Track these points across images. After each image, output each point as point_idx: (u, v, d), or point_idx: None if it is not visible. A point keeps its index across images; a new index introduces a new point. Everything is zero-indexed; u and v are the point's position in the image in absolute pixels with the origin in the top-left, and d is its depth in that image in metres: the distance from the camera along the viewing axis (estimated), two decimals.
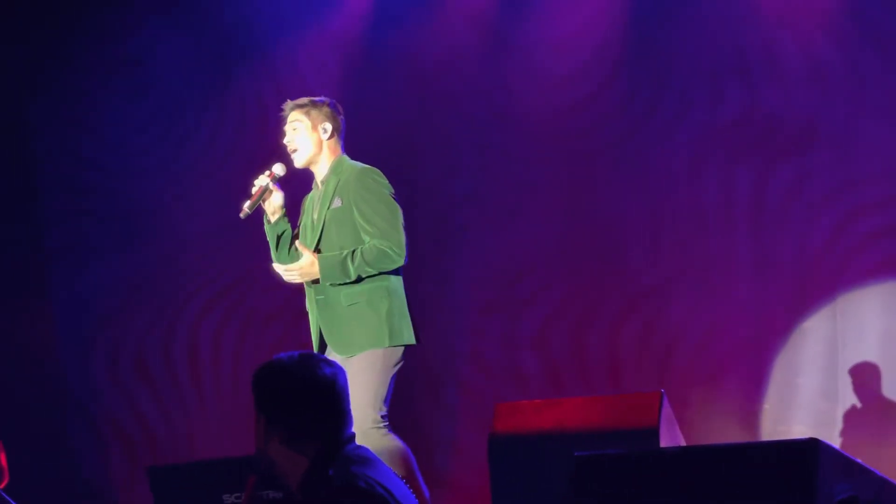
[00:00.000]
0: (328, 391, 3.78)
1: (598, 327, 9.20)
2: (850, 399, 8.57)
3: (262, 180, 5.92)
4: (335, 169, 5.93)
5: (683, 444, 5.81)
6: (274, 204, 5.95)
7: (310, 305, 5.92)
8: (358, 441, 5.48)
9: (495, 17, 9.76)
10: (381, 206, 5.80)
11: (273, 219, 5.97)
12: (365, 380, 5.59)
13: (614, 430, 5.54)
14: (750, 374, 8.80)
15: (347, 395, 3.85)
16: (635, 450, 4.85)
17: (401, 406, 5.98)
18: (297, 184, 6.18)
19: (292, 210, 6.18)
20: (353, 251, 5.72)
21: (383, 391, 5.65)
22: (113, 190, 10.93)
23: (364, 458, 3.80)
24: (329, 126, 5.95)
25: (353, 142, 6.19)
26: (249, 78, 10.45)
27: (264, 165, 6.06)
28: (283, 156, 6.08)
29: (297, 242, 5.92)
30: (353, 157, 6.07)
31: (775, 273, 8.81)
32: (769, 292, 8.80)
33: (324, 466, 3.70)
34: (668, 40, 9.20)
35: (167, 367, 10.86)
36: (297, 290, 6.24)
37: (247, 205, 5.85)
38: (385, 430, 5.61)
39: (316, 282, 5.80)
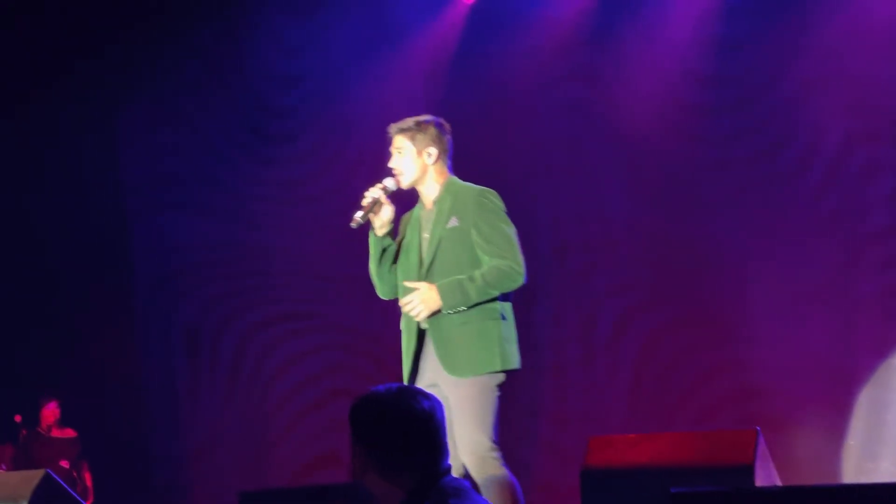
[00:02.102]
0: (425, 424, 3.77)
1: (684, 360, 9.16)
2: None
3: (374, 192, 5.81)
4: (448, 189, 5.83)
5: (778, 482, 5.75)
6: (383, 217, 5.82)
7: (407, 325, 5.80)
8: (474, 467, 5.48)
9: (585, 36, 9.79)
10: (502, 226, 5.70)
11: (380, 232, 5.85)
12: (478, 406, 5.51)
13: (709, 466, 5.49)
14: (836, 409, 8.71)
15: (444, 427, 3.83)
16: (732, 487, 4.80)
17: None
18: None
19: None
20: (471, 275, 5.64)
21: (493, 417, 5.58)
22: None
23: (460, 489, 3.78)
24: (434, 150, 5.84)
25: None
26: (351, 92, 10.56)
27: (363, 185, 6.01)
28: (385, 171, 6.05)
29: (406, 283, 5.79)
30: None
31: (864, 307, 8.72)
32: (857, 326, 8.70)
33: (420, 499, 3.69)
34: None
35: (244, 380, 10.98)
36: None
37: (358, 215, 5.76)
38: (501, 461, 5.52)
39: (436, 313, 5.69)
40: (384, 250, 5.90)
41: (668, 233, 9.32)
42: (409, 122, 5.90)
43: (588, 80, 9.74)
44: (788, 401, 8.75)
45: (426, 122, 5.89)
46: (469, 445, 5.50)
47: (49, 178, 11.37)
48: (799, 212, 8.98)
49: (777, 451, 8.18)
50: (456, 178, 5.90)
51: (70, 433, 11.07)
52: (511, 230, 5.72)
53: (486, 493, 5.45)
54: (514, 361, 5.66)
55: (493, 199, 5.78)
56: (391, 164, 5.88)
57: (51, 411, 11.03)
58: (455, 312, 5.64)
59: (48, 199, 11.36)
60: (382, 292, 6.00)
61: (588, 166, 9.63)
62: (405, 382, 5.74)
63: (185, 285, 11.35)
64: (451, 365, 5.62)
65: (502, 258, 5.64)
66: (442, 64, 10.30)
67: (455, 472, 5.47)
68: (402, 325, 5.85)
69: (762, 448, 5.60)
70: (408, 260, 5.85)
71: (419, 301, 5.64)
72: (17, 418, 10.95)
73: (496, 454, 5.51)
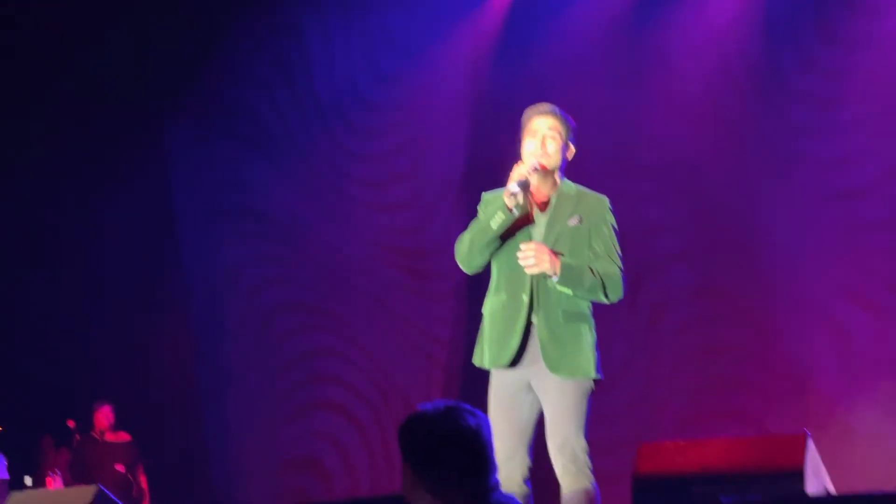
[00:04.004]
0: (473, 442, 3.78)
1: (732, 359, 9.12)
2: None
3: (524, 171, 5.57)
4: (568, 187, 5.75)
5: (831, 487, 5.73)
6: (522, 200, 5.59)
7: (513, 313, 5.65)
8: (565, 468, 5.45)
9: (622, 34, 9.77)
10: (616, 240, 5.69)
11: (517, 212, 5.59)
12: (577, 408, 5.49)
13: (759, 472, 5.49)
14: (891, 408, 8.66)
15: (492, 444, 3.83)
16: (781, 496, 4.80)
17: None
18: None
19: (473, 199, 5.93)
20: (592, 266, 5.57)
21: (586, 421, 5.53)
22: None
23: None
24: (573, 148, 5.78)
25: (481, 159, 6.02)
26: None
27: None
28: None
29: (530, 244, 5.59)
30: (477, 174, 5.91)
31: None
32: None
33: None
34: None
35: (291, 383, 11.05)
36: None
37: (521, 196, 5.53)
38: (590, 466, 5.50)
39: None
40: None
41: (708, 225, 9.31)
42: (558, 109, 5.77)
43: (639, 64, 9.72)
44: (844, 401, 8.70)
45: (567, 115, 5.80)
46: (565, 446, 5.48)
47: (98, 184, 11.46)
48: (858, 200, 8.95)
49: (829, 453, 8.18)
50: (567, 179, 5.81)
51: (124, 437, 11.13)
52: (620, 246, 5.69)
53: (571, 497, 5.45)
54: (601, 371, 5.63)
55: (612, 210, 5.74)
56: (542, 145, 5.70)
57: (104, 415, 11.09)
58: (558, 303, 5.55)
59: (98, 203, 11.45)
60: (477, 266, 5.76)
61: (637, 154, 9.61)
62: (493, 366, 5.66)
63: (240, 287, 11.43)
64: (554, 362, 5.54)
65: (614, 268, 5.60)
66: (487, 48, 10.32)
67: (521, 475, 5.51)
68: (500, 316, 5.68)
69: (812, 452, 5.59)
70: (516, 248, 5.64)
71: (545, 254, 5.53)
72: (71, 423, 11.03)
73: (588, 458, 5.49)
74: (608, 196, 5.80)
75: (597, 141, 9.43)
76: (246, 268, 11.35)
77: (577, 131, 5.79)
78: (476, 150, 10.01)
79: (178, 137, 11.49)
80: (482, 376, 5.76)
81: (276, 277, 11.24)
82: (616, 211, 5.73)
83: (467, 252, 5.70)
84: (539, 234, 5.68)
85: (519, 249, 5.61)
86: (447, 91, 10.54)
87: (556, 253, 5.55)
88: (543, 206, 5.73)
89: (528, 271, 5.56)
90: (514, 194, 5.50)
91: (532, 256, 5.52)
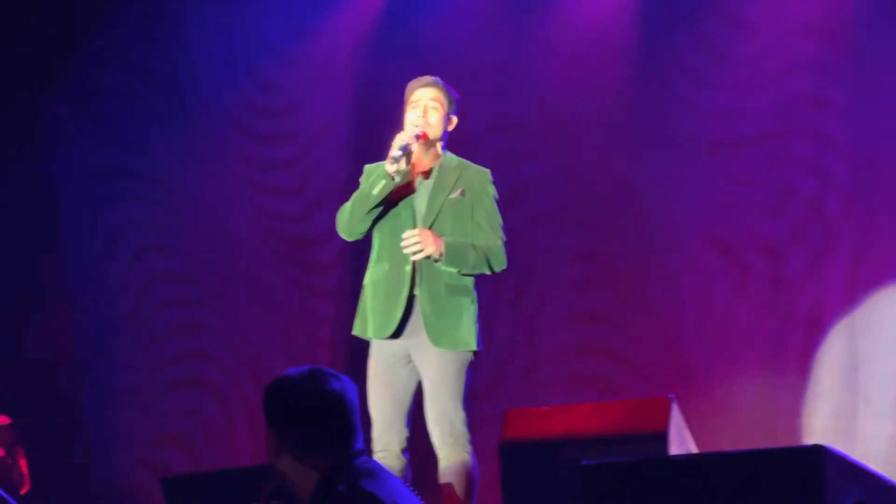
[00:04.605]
0: (337, 406, 3.79)
1: (611, 332, 9.18)
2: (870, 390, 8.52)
3: (407, 138, 5.60)
4: (450, 160, 5.79)
5: (695, 449, 5.83)
6: (406, 167, 5.61)
7: (395, 287, 5.65)
8: (444, 441, 5.47)
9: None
10: (498, 212, 5.75)
11: (398, 178, 5.61)
12: (457, 381, 5.52)
13: (624, 435, 5.57)
14: (771, 370, 8.76)
15: (357, 409, 3.85)
16: (642, 457, 4.87)
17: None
18: None
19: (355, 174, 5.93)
20: (474, 244, 5.63)
21: (465, 394, 5.56)
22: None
23: (373, 471, 3.81)
24: (455, 120, 5.81)
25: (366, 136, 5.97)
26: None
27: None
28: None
29: (413, 231, 5.61)
30: (359, 153, 5.91)
31: (793, 273, 8.78)
32: (788, 292, 8.76)
33: (333, 480, 3.71)
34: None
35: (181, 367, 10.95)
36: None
37: (404, 164, 5.54)
38: (469, 439, 5.53)
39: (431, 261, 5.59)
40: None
41: (583, 204, 9.37)
42: (440, 81, 5.81)
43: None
44: (720, 368, 8.80)
45: (450, 87, 5.83)
46: (443, 417, 5.50)
47: None
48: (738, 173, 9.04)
49: (710, 418, 8.28)
50: (449, 152, 5.84)
51: (2, 420, 10.97)
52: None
53: (448, 468, 5.47)
54: (481, 344, 5.67)
55: (493, 182, 5.79)
56: (421, 116, 5.73)
57: None
58: (442, 275, 5.59)
59: None
60: (357, 233, 5.77)
61: (522, 113, 9.63)
62: (376, 336, 5.65)
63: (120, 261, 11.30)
64: (437, 334, 5.57)
65: (500, 242, 5.67)
66: (372, 26, 10.29)
67: (399, 446, 5.51)
68: (383, 287, 5.70)
69: (676, 416, 5.68)
70: (398, 219, 5.70)
71: (429, 237, 5.56)
72: None
73: (466, 429, 5.52)
74: (492, 155, 5.87)
75: (483, 100, 9.49)
76: (127, 231, 11.17)
77: (463, 95, 5.83)
78: (364, 144, 9.94)
79: (60, 95, 11.28)
80: (363, 367, 5.73)
81: (157, 244, 11.07)
82: (499, 171, 5.78)
83: (348, 219, 5.71)
84: (421, 205, 5.70)
85: (401, 218, 5.64)
86: (337, 75, 10.47)
87: (437, 235, 5.58)
88: (426, 177, 5.74)
89: (414, 258, 5.58)
90: (396, 159, 5.51)
91: (416, 244, 5.55)
